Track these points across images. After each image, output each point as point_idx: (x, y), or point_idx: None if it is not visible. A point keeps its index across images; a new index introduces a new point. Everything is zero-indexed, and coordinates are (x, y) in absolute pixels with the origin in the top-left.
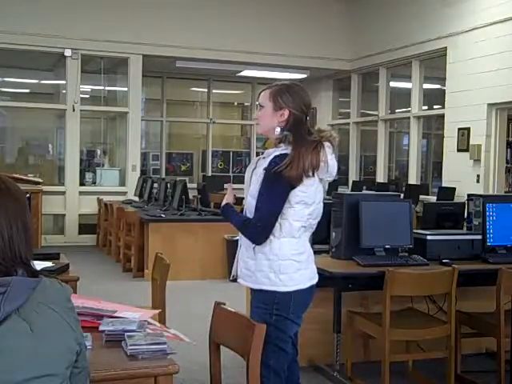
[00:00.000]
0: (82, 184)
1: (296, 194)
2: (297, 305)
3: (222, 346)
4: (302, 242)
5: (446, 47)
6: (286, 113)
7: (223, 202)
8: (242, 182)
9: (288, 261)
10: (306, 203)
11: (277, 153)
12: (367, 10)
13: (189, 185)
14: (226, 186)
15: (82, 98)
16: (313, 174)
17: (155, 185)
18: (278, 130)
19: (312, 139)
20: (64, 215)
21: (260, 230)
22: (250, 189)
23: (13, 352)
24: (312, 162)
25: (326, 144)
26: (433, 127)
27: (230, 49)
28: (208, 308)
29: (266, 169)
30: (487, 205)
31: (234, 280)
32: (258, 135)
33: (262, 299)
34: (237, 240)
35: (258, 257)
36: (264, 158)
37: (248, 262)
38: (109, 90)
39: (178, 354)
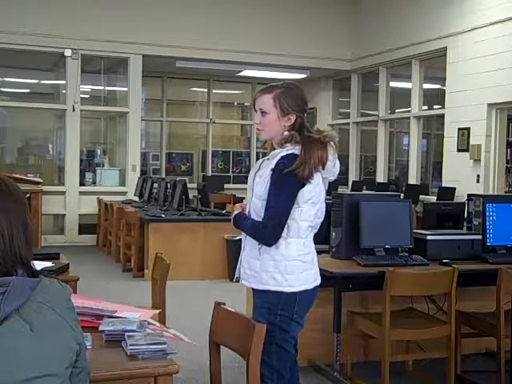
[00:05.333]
0: (82, 184)
1: (304, 194)
2: (301, 305)
3: (222, 346)
4: (308, 242)
5: (445, 47)
6: (293, 117)
7: (233, 213)
8: (242, 182)
9: (294, 261)
10: (313, 202)
11: (283, 153)
12: (367, 10)
13: (189, 185)
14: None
15: (82, 98)
16: (323, 167)
17: (155, 185)
18: (286, 133)
19: (317, 137)
20: (64, 215)
21: (271, 230)
22: (255, 190)
23: (13, 352)
24: (322, 158)
25: (331, 143)
26: (433, 127)
27: (230, 49)
28: (208, 308)
29: (274, 169)
30: (487, 205)
31: (238, 281)
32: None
33: (266, 300)
34: (237, 240)
35: (264, 257)
36: (268, 159)
37: (253, 262)
38: (109, 90)
39: (178, 354)
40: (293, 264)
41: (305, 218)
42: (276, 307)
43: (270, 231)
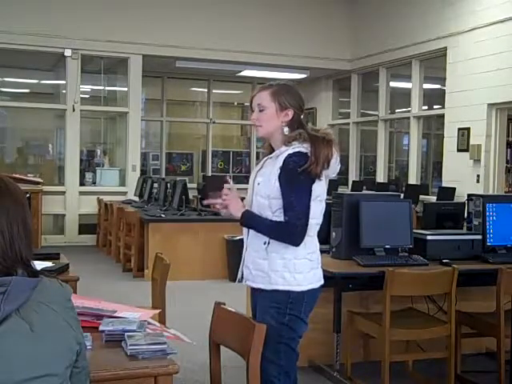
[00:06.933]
0: (82, 184)
1: (314, 192)
2: (308, 304)
3: (222, 346)
4: (315, 240)
5: (445, 47)
6: (291, 112)
7: (238, 212)
8: (242, 182)
9: (303, 260)
10: (320, 199)
11: (290, 151)
12: (367, 10)
13: (189, 185)
14: (227, 186)
15: (82, 98)
16: (328, 166)
17: (155, 185)
18: (287, 129)
19: (322, 136)
20: (64, 215)
21: (300, 229)
22: (259, 189)
23: (13, 352)
24: (328, 156)
25: (333, 141)
26: (433, 127)
27: (230, 49)
28: (208, 308)
29: (283, 168)
30: (487, 205)
31: (240, 282)
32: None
33: (275, 299)
34: (237, 240)
35: (272, 256)
36: (271, 157)
37: (260, 262)
38: (109, 90)
39: (178, 354)
40: (301, 263)
41: (313, 216)
42: (285, 306)
43: (300, 230)
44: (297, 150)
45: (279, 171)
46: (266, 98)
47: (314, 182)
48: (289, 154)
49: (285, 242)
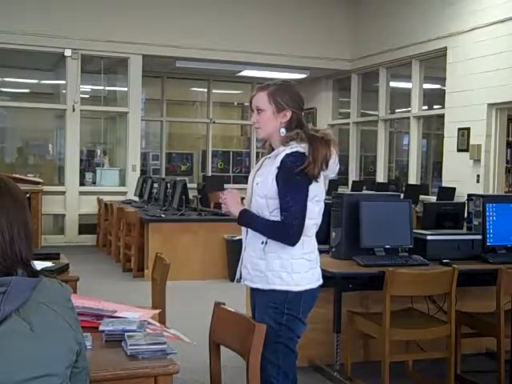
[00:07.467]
0: (82, 184)
1: (310, 192)
2: (306, 304)
3: (222, 346)
4: (313, 240)
5: (445, 47)
6: (289, 113)
7: (236, 210)
8: (242, 182)
9: (300, 260)
10: (317, 200)
11: (287, 151)
12: (367, 10)
13: (189, 185)
14: (227, 192)
15: (82, 98)
16: (326, 166)
17: (155, 185)
18: (284, 130)
19: (321, 136)
20: (64, 215)
21: (296, 229)
22: (257, 189)
23: (13, 352)
24: (326, 156)
25: (332, 140)
26: (433, 127)
27: (230, 49)
28: (208, 308)
29: (280, 168)
30: (487, 205)
31: (239, 282)
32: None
33: (272, 299)
34: (237, 240)
35: (269, 256)
36: (269, 157)
37: (257, 262)
38: (109, 90)
39: (178, 354)
40: (299, 263)
41: (311, 216)
42: (282, 306)
43: (296, 230)
44: (294, 149)
45: (277, 171)
46: (263, 100)
47: (311, 182)
48: (286, 154)
49: (281, 242)
